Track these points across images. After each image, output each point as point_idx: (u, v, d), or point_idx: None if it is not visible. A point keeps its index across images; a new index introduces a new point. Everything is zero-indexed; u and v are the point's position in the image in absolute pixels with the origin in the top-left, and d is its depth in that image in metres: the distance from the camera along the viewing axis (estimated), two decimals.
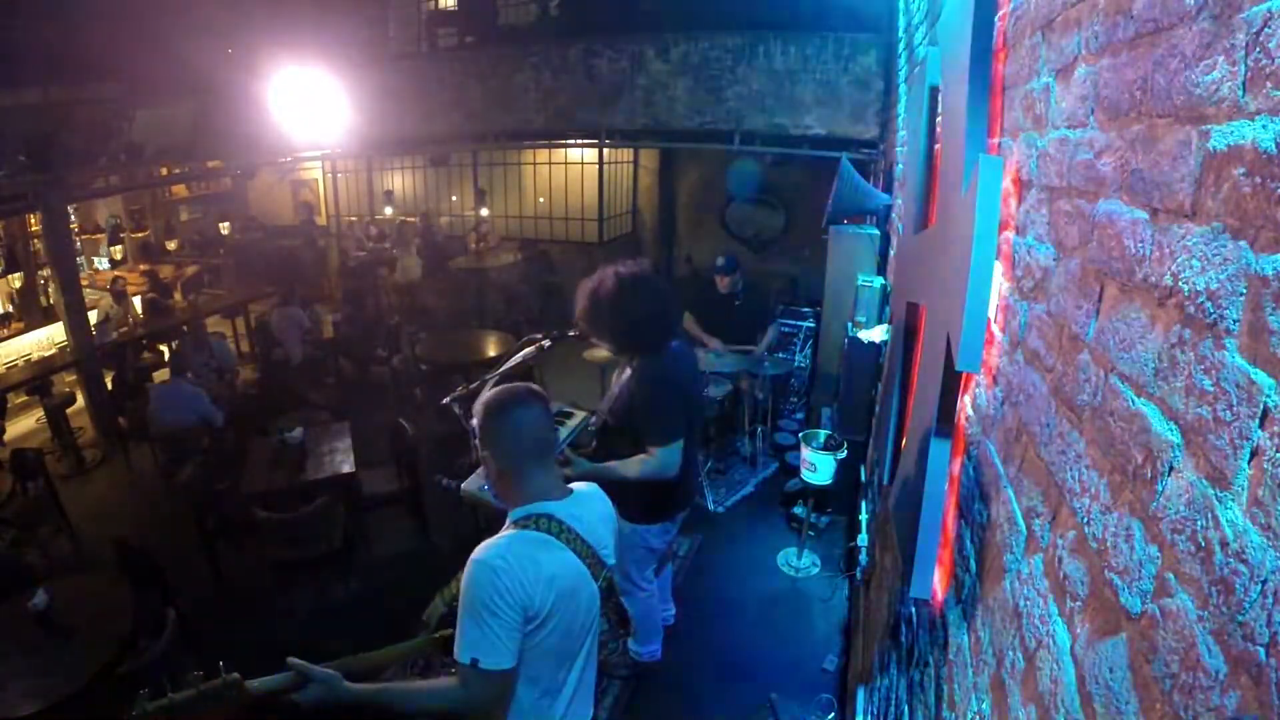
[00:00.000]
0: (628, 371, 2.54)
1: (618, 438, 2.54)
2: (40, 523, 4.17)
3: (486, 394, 1.58)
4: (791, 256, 8.34)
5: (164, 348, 7.06)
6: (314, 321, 7.15)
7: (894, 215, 3.58)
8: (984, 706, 0.99)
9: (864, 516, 3.50)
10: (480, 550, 1.39)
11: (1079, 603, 0.73)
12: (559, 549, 1.46)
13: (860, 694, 2.45)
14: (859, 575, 3.27)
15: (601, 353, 4.59)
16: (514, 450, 1.51)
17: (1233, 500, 0.49)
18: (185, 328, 6.72)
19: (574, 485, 1.63)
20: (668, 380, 2.43)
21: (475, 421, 1.57)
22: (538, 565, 1.39)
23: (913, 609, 1.65)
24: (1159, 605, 0.57)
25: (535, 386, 1.60)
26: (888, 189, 4.16)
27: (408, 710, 1.46)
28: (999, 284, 1.20)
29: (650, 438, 2.42)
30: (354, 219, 10.70)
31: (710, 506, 4.38)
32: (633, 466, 2.44)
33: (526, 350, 2.96)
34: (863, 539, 3.32)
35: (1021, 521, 0.94)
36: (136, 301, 7.82)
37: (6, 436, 5.96)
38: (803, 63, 5.48)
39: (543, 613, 1.37)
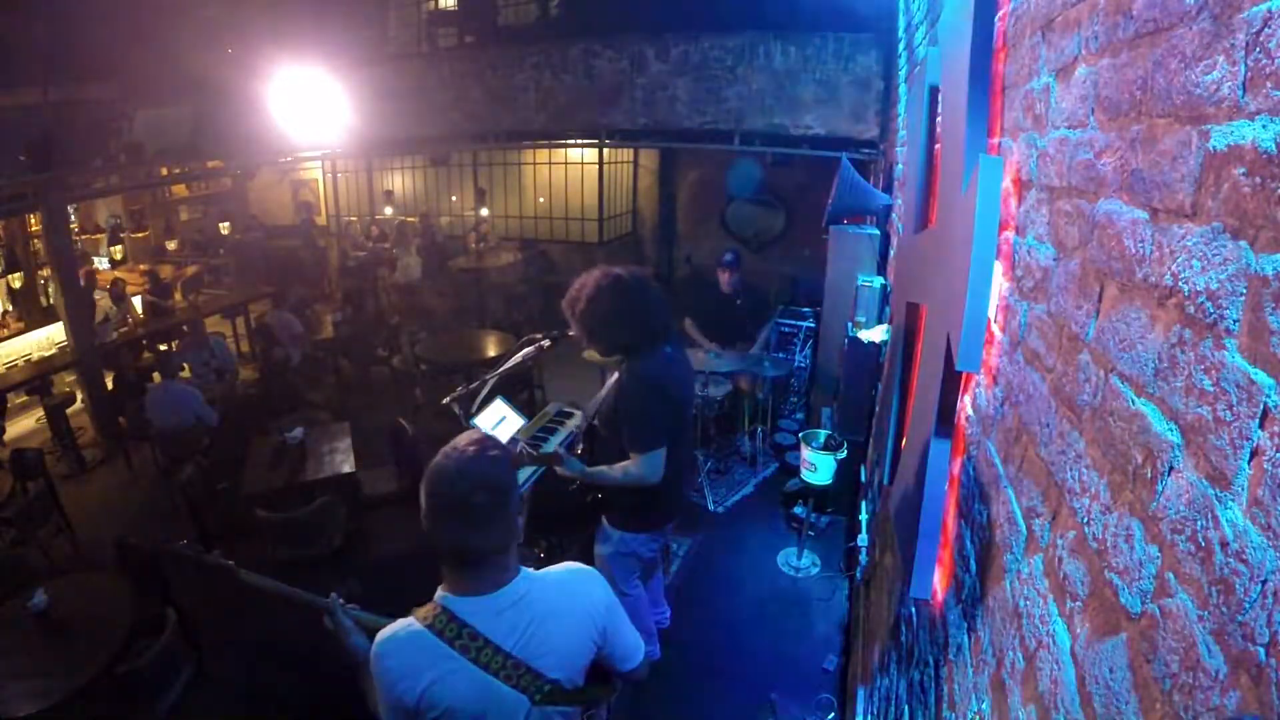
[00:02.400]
0: (615, 375, 2.50)
1: (605, 442, 2.50)
2: (40, 523, 4.17)
3: (438, 459, 1.37)
4: (791, 256, 8.35)
5: (164, 347, 7.08)
6: (310, 324, 7.15)
7: (894, 215, 3.58)
8: (984, 706, 0.99)
9: (864, 516, 3.50)
10: (381, 633, 1.31)
11: (1079, 603, 0.73)
12: (448, 659, 1.23)
13: (860, 694, 2.45)
14: (859, 575, 3.27)
15: None
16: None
17: (1233, 500, 0.49)
18: (185, 328, 6.72)
19: (535, 572, 1.37)
20: (654, 386, 2.34)
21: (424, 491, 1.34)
22: (414, 674, 1.25)
23: (913, 609, 1.64)
24: (1159, 605, 0.57)
25: (494, 441, 1.39)
26: (888, 189, 4.16)
27: None
28: (999, 284, 1.20)
29: (632, 444, 2.36)
30: (354, 219, 10.71)
31: (710, 506, 4.37)
32: (616, 472, 2.40)
33: (526, 350, 2.96)
34: (863, 539, 3.32)
35: (1021, 521, 0.94)
36: (137, 301, 7.83)
37: (6, 436, 5.96)
38: (803, 63, 5.48)
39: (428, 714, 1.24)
